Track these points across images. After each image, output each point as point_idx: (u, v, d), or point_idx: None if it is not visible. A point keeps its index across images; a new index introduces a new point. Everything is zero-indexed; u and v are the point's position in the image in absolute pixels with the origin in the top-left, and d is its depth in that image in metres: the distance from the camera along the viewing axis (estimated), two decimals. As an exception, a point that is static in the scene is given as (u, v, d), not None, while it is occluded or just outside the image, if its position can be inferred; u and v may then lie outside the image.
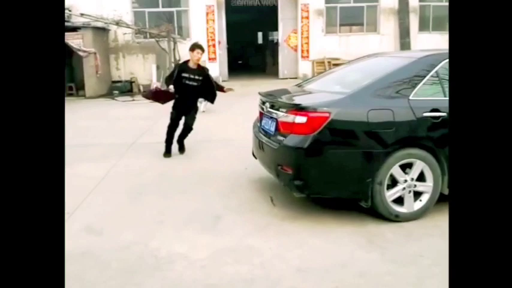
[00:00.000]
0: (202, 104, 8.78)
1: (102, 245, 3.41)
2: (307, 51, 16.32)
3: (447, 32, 17.74)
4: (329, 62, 15.74)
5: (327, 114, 3.51)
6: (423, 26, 16.71)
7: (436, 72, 3.85)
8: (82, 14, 13.49)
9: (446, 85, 3.86)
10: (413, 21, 16.18)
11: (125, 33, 14.83)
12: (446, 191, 3.77)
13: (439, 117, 3.67)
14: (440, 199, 3.78)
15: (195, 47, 5.88)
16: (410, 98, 3.70)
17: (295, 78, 15.43)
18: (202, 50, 5.94)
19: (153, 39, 14.45)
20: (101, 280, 2.90)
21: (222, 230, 3.67)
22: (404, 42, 15.46)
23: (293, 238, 3.47)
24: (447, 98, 3.79)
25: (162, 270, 3.01)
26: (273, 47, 19.03)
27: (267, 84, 10.64)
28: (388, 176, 3.63)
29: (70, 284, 2.66)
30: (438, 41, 15.43)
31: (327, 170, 3.62)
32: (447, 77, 3.91)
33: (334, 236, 3.49)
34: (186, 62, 6.06)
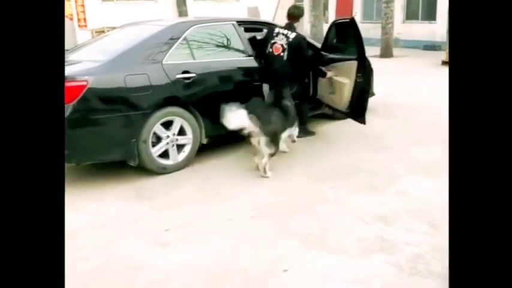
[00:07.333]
0: None
1: None
2: (85, 19, 15.47)
3: (220, 1, 19.16)
4: (109, 31, 15.25)
5: (84, 83, 3.62)
6: (198, -6, 17.60)
7: (184, 38, 4.34)
8: None
9: (194, 49, 4.42)
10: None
11: None
12: (204, 141, 4.40)
13: (190, 77, 4.19)
14: (200, 149, 4.40)
15: None
16: (164, 62, 4.11)
17: (74, 49, 14.54)
18: None
19: None
20: None
21: None
22: (182, 11, 16.09)
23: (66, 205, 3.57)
24: (196, 61, 4.36)
25: None
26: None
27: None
28: (152, 134, 4.01)
29: None
30: (213, 9, 16.54)
31: (91, 137, 3.76)
32: (195, 42, 4.47)
33: (107, 196, 3.74)
34: None
